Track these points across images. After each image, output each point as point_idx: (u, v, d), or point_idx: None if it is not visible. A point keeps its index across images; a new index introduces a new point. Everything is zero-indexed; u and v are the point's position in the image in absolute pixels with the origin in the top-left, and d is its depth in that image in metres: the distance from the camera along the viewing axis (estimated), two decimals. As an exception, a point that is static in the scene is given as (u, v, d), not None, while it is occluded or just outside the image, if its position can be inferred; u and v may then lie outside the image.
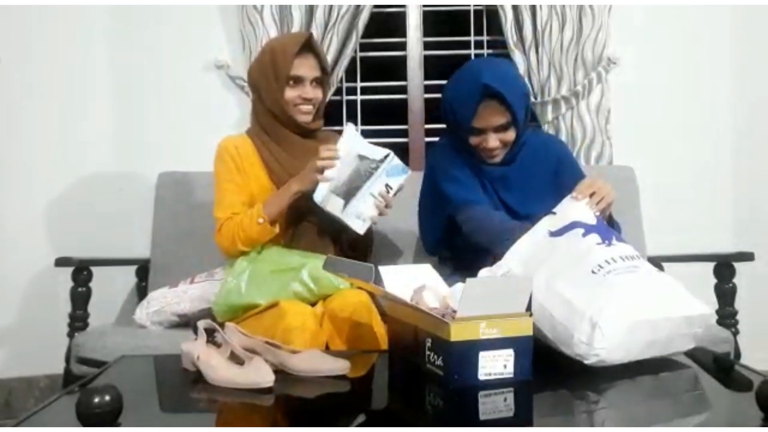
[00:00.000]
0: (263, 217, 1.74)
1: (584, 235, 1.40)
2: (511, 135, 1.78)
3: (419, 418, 1.13)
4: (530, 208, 1.69)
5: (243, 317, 1.74)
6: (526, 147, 1.85)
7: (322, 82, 1.88)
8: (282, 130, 1.87)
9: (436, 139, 2.66)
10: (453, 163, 1.86)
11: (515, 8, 2.55)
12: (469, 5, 2.72)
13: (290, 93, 1.83)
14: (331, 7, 2.55)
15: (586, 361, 1.25)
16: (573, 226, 1.42)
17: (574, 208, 1.47)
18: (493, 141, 1.77)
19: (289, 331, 1.53)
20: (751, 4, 2.62)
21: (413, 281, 1.42)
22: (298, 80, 1.83)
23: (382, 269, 1.45)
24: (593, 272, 1.32)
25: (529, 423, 1.11)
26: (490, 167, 1.84)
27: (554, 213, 1.48)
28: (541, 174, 1.85)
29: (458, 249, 1.88)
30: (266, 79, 1.84)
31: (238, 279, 1.73)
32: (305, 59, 1.83)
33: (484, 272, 1.46)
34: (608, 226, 1.48)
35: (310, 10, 2.55)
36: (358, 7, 2.57)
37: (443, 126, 2.66)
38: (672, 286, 1.38)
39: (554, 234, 1.43)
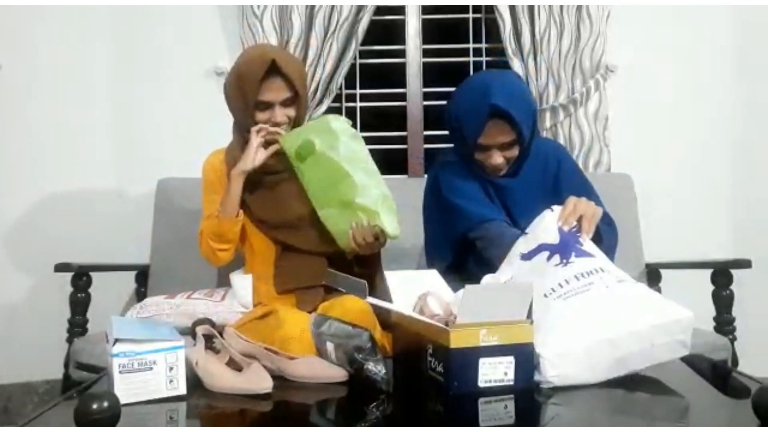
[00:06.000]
0: (218, 210, 1.82)
1: (548, 258, 1.39)
2: (515, 152, 1.78)
3: (416, 423, 1.14)
4: (530, 219, 1.69)
5: (241, 322, 1.74)
6: (529, 157, 1.84)
7: (294, 100, 1.82)
8: None
9: (435, 146, 2.70)
10: (462, 177, 1.84)
11: (514, 16, 2.57)
12: (468, 13, 2.74)
13: (260, 116, 1.81)
14: (330, 14, 2.56)
15: (541, 386, 1.24)
16: (540, 249, 1.42)
17: (543, 228, 1.46)
18: (497, 158, 1.76)
19: (287, 340, 1.52)
20: (751, 10, 2.63)
21: (418, 287, 1.42)
22: (266, 105, 1.81)
23: (387, 274, 1.46)
24: (545, 296, 1.31)
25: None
26: (494, 178, 1.84)
27: (527, 233, 1.49)
28: (542, 183, 1.84)
29: (469, 273, 1.80)
30: (236, 102, 1.83)
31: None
32: (272, 83, 1.78)
33: (487, 279, 1.47)
34: (571, 239, 1.43)
35: (310, 17, 2.56)
36: (357, 14, 2.58)
37: (442, 133, 2.69)
38: (638, 297, 1.34)
39: (525, 257, 1.44)
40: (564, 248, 1.40)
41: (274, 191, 1.87)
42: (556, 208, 1.50)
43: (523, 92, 1.81)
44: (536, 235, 1.46)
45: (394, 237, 1.72)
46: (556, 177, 1.87)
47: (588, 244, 1.43)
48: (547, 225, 1.46)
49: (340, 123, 1.78)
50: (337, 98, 2.69)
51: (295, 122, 1.86)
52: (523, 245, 1.47)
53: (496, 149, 1.76)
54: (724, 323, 2.13)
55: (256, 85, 1.77)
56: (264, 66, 1.76)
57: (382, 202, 1.72)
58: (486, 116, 1.70)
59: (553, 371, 1.23)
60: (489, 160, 1.77)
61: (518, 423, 1.13)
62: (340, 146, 1.74)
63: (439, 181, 1.88)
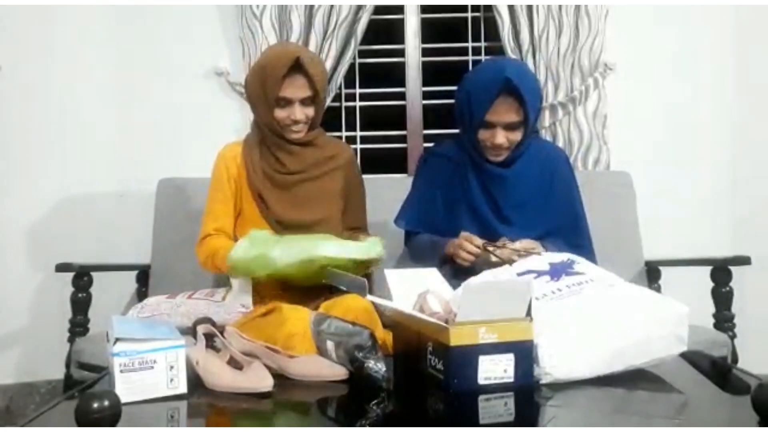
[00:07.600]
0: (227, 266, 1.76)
1: (536, 278, 1.42)
2: (518, 135, 1.81)
3: (417, 421, 1.14)
4: (518, 213, 1.71)
5: (243, 321, 1.75)
6: (528, 152, 1.88)
7: (313, 100, 1.84)
8: (278, 140, 1.89)
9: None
10: (435, 176, 1.91)
11: (512, 15, 2.57)
12: (466, 11, 2.74)
13: (280, 113, 1.83)
14: (330, 13, 2.56)
15: (541, 381, 1.24)
16: (526, 273, 1.45)
17: (526, 261, 1.53)
18: (500, 137, 1.79)
19: (291, 337, 1.53)
20: (751, 10, 2.63)
21: (418, 285, 1.42)
22: (286, 101, 1.82)
23: (387, 272, 1.46)
24: (536, 299, 1.32)
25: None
26: (489, 167, 1.86)
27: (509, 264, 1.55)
28: (536, 182, 1.88)
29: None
30: (257, 97, 1.85)
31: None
32: (294, 80, 1.80)
33: (473, 280, 1.47)
34: (562, 267, 1.46)
35: (310, 17, 2.56)
36: (356, 13, 2.58)
37: (442, 132, 2.69)
38: (631, 293, 1.37)
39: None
40: (554, 272, 1.43)
41: (291, 192, 1.88)
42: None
43: (536, 79, 1.92)
44: (521, 265, 1.50)
45: (378, 258, 1.71)
46: (551, 183, 1.91)
47: (580, 267, 1.45)
48: (531, 259, 1.54)
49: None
50: (337, 98, 2.69)
51: (312, 123, 1.88)
52: (499, 271, 1.51)
53: (501, 128, 1.79)
54: (724, 320, 2.14)
55: (278, 81, 1.78)
56: (288, 62, 1.78)
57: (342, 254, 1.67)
58: (498, 90, 1.74)
59: (549, 363, 1.23)
60: (492, 139, 1.80)
61: (518, 421, 1.14)
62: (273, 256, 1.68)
63: (420, 170, 1.99)
